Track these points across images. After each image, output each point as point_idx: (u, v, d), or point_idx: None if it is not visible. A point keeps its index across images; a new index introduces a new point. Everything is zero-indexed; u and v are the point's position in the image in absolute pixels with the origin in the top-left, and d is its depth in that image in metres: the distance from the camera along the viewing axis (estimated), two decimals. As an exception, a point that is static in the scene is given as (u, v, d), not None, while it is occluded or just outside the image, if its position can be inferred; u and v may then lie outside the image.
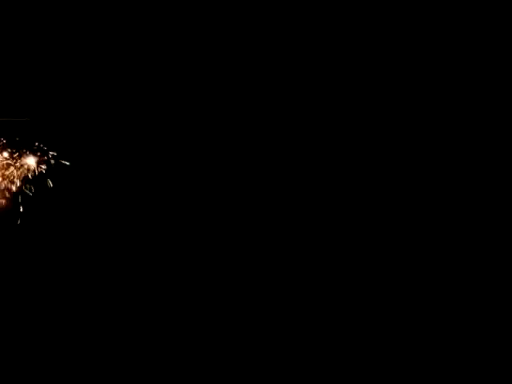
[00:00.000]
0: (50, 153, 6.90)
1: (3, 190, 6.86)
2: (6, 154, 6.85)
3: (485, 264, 7.09)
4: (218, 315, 7.09)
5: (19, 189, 6.89)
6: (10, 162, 6.84)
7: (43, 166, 6.90)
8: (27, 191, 6.89)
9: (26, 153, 6.87)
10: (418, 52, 7.30)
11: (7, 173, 6.83)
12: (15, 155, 6.86)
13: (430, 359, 6.96)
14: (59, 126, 7.08)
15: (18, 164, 6.87)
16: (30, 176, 6.89)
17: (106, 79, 7.15)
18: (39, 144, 6.88)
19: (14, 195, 6.89)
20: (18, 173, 6.86)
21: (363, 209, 7.26)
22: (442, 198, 7.23)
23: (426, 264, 7.15)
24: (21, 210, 6.89)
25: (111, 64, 7.17)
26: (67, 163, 6.96)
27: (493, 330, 6.96)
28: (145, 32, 7.19)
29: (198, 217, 7.25)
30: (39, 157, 6.89)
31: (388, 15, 7.30)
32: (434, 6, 7.26)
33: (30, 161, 6.88)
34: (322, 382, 6.94)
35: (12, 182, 6.86)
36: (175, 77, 7.26)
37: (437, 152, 7.28)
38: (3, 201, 6.87)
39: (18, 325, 6.94)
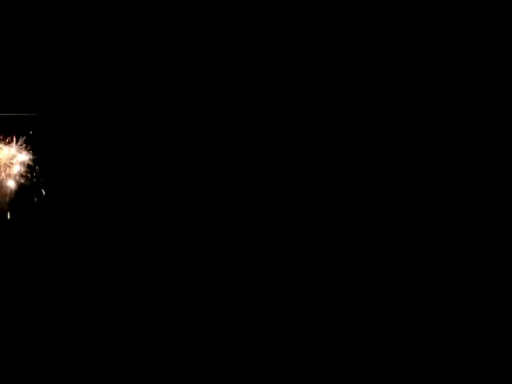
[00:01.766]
0: (53, 149, 6.92)
1: (4, 186, 6.86)
2: (11, 150, 6.85)
3: (485, 264, 7.10)
4: (217, 315, 7.10)
5: (20, 185, 6.89)
6: (14, 157, 6.84)
7: (46, 163, 6.90)
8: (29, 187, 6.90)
9: (30, 148, 6.88)
10: (418, 52, 7.31)
11: (10, 169, 6.84)
12: (20, 151, 6.86)
13: (429, 359, 6.98)
14: (67, 123, 7.08)
15: (21, 160, 6.87)
16: (31, 172, 6.90)
17: (115, 76, 7.17)
18: (45, 140, 6.89)
19: (15, 192, 6.90)
20: (21, 169, 6.86)
21: (363, 209, 7.27)
22: (442, 198, 7.24)
23: (426, 264, 7.16)
24: (20, 207, 6.90)
25: (120, 62, 7.18)
26: (71, 160, 6.99)
27: (493, 330, 6.97)
28: (148, 31, 7.21)
29: (198, 217, 7.26)
30: (42, 153, 6.89)
31: (388, 15, 7.31)
32: (433, 6, 7.28)
33: (33, 156, 6.88)
34: (321, 382, 6.95)
35: (13, 178, 6.86)
36: (176, 76, 7.27)
37: (437, 152, 7.29)
38: (4, 197, 6.87)
39: (18, 324, 6.95)
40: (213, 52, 7.32)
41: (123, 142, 7.18)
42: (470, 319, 6.98)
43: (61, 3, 7.05)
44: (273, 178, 7.28)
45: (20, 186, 6.89)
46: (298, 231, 7.25)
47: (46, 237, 7.07)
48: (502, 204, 7.15)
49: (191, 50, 7.31)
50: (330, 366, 6.97)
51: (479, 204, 7.17)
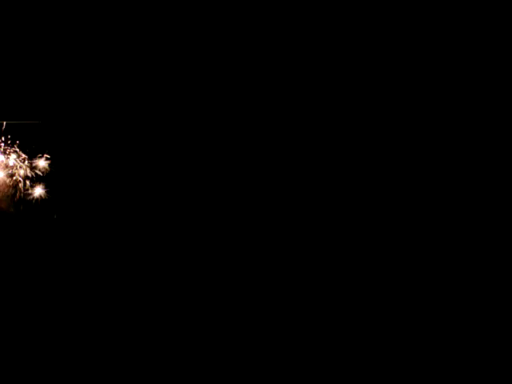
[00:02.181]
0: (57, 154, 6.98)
1: (9, 190, 6.90)
2: (15, 156, 6.91)
3: (485, 264, 7.08)
4: (217, 315, 7.10)
5: (25, 189, 6.93)
6: (18, 163, 6.90)
7: (49, 168, 6.95)
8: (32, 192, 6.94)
9: (35, 155, 6.93)
10: (418, 52, 7.30)
11: (15, 174, 6.89)
12: (24, 157, 6.91)
13: (429, 359, 6.97)
14: (70, 129, 7.15)
15: (25, 166, 6.92)
16: (35, 177, 6.94)
17: (116, 84, 7.21)
18: (49, 146, 6.96)
19: (19, 196, 6.94)
20: (24, 174, 6.91)
21: (363, 209, 7.26)
22: (442, 198, 7.23)
23: (426, 264, 7.15)
24: (25, 210, 6.93)
25: (122, 71, 7.22)
26: (74, 165, 7.06)
27: (493, 330, 6.96)
28: (151, 39, 7.23)
29: (198, 217, 7.26)
30: (47, 159, 6.94)
31: (388, 15, 7.31)
32: (433, 6, 7.27)
33: (39, 162, 6.94)
34: (321, 382, 6.94)
35: (18, 183, 6.91)
36: (180, 84, 7.28)
37: (437, 152, 7.28)
38: (8, 201, 6.90)
39: (19, 325, 6.96)
40: (213, 52, 7.32)
41: (124, 146, 7.21)
42: (470, 319, 6.98)
43: (61, 13, 7.09)
44: (272, 177, 7.29)
45: (23, 191, 6.95)
46: (297, 231, 7.25)
47: (49, 239, 7.10)
48: (502, 204, 7.15)
49: (191, 52, 7.32)
50: (329, 365, 6.98)
51: (479, 204, 7.17)
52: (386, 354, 6.97)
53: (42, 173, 6.94)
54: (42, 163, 6.96)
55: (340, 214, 7.28)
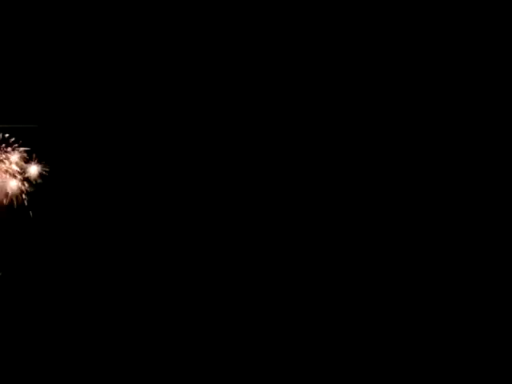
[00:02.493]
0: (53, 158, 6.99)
1: (4, 193, 6.91)
2: (12, 159, 6.92)
3: (485, 264, 7.09)
4: (217, 315, 7.11)
5: (21, 192, 6.94)
6: (13, 166, 6.90)
7: (46, 171, 6.95)
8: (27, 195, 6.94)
9: (31, 158, 6.93)
10: (417, 52, 7.31)
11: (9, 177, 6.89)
12: (20, 160, 6.91)
13: (430, 359, 6.98)
14: (67, 133, 7.16)
15: (20, 168, 6.92)
16: (32, 180, 6.95)
17: (114, 88, 7.22)
18: (47, 150, 6.96)
19: (15, 199, 6.94)
20: (20, 177, 6.91)
21: (363, 209, 7.27)
22: (442, 198, 7.24)
23: (426, 264, 7.16)
24: (21, 212, 6.93)
25: (120, 74, 7.23)
26: (71, 168, 7.07)
27: (493, 330, 6.96)
28: (152, 42, 7.25)
29: (199, 218, 7.28)
30: (44, 162, 6.95)
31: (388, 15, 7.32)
32: (433, 6, 7.28)
33: (34, 166, 6.94)
34: (321, 382, 6.95)
35: (12, 186, 6.91)
36: (180, 88, 7.29)
37: (437, 152, 7.29)
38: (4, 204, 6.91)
39: (19, 325, 6.97)
40: (213, 52, 7.33)
41: (123, 149, 7.22)
42: (470, 319, 6.99)
43: (60, 16, 7.12)
44: (272, 178, 7.29)
45: (22, 193, 6.95)
46: (298, 231, 7.26)
47: (47, 240, 7.11)
48: (502, 204, 7.15)
49: (191, 52, 7.33)
50: (329, 365, 6.98)
51: (479, 204, 7.18)
52: (386, 354, 6.99)
53: (40, 178, 6.95)
54: (38, 168, 6.95)
55: (340, 214, 7.29)
